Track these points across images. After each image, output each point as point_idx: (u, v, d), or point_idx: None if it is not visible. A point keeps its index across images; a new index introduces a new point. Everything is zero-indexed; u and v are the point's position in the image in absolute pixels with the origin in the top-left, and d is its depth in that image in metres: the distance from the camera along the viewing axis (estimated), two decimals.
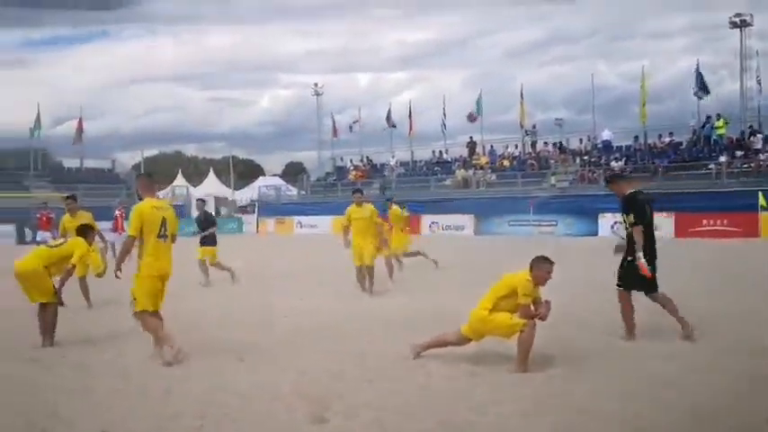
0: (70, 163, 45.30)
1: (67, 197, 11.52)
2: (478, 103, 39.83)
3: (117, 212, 18.42)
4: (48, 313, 7.56)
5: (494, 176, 36.26)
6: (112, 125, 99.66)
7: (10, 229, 29.85)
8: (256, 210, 42.68)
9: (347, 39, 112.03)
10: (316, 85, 49.33)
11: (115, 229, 18.02)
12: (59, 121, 77.10)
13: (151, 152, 61.58)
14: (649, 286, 7.23)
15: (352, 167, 43.46)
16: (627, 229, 7.28)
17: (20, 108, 57.12)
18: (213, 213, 13.89)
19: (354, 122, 45.18)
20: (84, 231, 8.31)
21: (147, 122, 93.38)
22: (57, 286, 7.76)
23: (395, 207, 15.27)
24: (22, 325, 8.05)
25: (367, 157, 44.45)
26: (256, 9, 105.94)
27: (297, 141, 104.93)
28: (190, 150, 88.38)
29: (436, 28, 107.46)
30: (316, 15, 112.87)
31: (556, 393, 5.39)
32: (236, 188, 51.49)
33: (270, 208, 42.20)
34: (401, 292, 11.55)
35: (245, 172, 65.04)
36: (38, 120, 40.97)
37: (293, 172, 62.19)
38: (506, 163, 36.87)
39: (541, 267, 6.18)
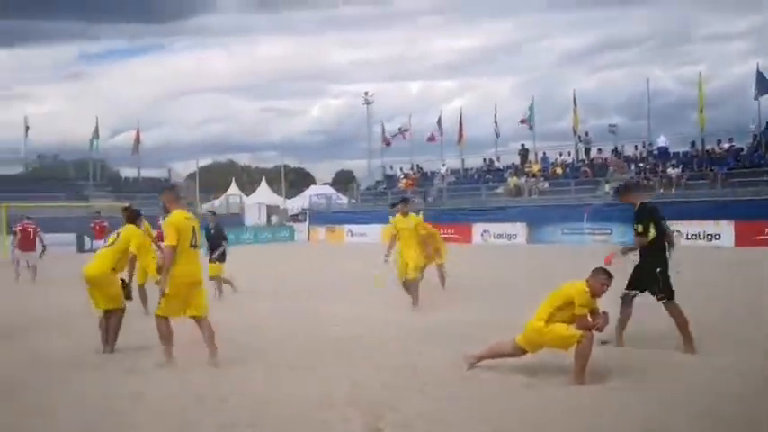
0: (128, 173, 46.54)
1: (125, 208, 11.81)
2: (531, 110, 39.44)
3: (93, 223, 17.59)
4: (112, 320, 7.74)
5: (546, 184, 35.77)
6: (167, 135, 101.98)
7: (71, 237, 30.72)
8: (307, 218, 43.04)
9: (396, 47, 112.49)
10: (366, 93, 49.59)
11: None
12: (117, 132, 79.46)
13: (205, 161, 62.54)
14: (662, 292, 7.25)
15: (402, 176, 43.44)
16: (652, 236, 7.31)
17: (79, 120, 58.98)
18: (223, 229, 13.26)
19: (404, 131, 45.15)
20: (133, 217, 8.44)
21: (200, 132, 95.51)
22: (126, 280, 8.04)
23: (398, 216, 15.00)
24: (83, 332, 8.25)
25: (417, 166, 44.39)
26: (306, 20, 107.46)
27: (347, 150, 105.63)
28: (243, 160, 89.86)
29: (486, 34, 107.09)
30: (365, 25, 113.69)
31: (615, 407, 5.26)
32: (288, 197, 52.07)
33: (321, 216, 42.50)
34: (453, 302, 11.45)
35: (297, 181, 65.77)
36: (96, 131, 42.15)
37: (343, 180, 62.57)
38: (559, 170, 36.35)
39: (599, 279, 6.06)
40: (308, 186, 58.52)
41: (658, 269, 7.24)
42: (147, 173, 45.80)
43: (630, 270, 7.37)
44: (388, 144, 45.32)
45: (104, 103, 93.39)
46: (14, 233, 17.32)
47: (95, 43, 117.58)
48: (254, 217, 45.36)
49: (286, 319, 9.91)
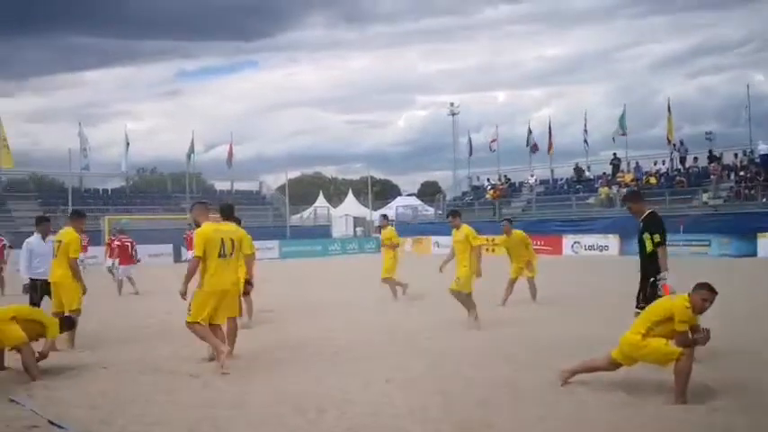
0: (221, 186, 48.10)
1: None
2: (622, 119, 38.38)
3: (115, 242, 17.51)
4: (229, 328, 8.02)
5: None
6: (259, 149, 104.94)
7: (168, 248, 32.04)
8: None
9: (483, 57, 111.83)
10: (452, 104, 49.58)
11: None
12: (211, 146, 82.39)
13: (294, 174, 63.91)
14: (645, 302, 6.92)
15: (489, 186, 43.11)
16: (652, 247, 7.18)
17: (176, 135, 61.44)
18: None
19: (492, 141, 44.83)
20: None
21: (290, 145, 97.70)
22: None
23: (390, 228, 15.04)
24: (182, 341, 8.56)
25: (505, 176, 43.96)
26: (393, 33, 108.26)
27: (433, 161, 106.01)
28: (330, 172, 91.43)
29: (575, 42, 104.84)
30: (450, 35, 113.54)
31: (719, 427, 5.05)
32: (374, 208, 52.54)
33: (407, 227, 42.63)
34: (544, 316, 11.25)
35: (382, 192, 66.24)
36: (192, 146, 43.80)
37: (429, 191, 62.58)
38: (653, 180, 35.16)
39: (701, 294, 5.84)
40: (394, 197, 58.90)
41: (652, 279, 7.09)
42: (239, 185, 47.19)
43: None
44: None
45: (200, 118, 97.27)
46: (110, 247, 18.02)
47: (192, 61, 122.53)
48: (341, 228, 45.99)
49: (375, 330, 9.99)
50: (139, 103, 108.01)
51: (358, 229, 47.75)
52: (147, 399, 6.18)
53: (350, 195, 55.92)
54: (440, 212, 44.88)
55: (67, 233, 8.93)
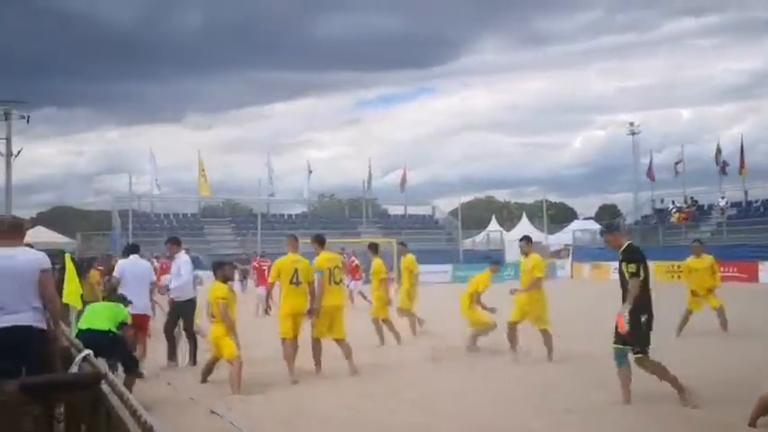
0: (395, 210, 49.35)
1: (371, 245, 13.20)
2: None
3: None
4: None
5: None
6: (432, 173, 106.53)
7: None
8: (570, 254, 41.97)
9: (664, 73, 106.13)
10: (631, 123, 47.44)
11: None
12: (387, 171, 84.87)
13: (466, 198, 64.18)
14: (637, 343, 6.65)
15: (674, 209, 40.62)
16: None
17: (355, 162, 63.92)
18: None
19: (677, 162, 42.28)
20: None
21: (462, 170, 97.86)
22: None
23: (410, 255, 13.26)
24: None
25: (692, 198, 41.23)
26: (568, 53, 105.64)
27: (611, 183, 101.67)
28: (502, 195, 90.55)
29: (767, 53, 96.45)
30: (629, 53, 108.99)
31: None
32: (550, 232, 51.27)
33: (585, 252, 41.19)
34: (734, 348, 10.34)
35: (557, 215, 64.52)
36: (369, 173, 45.37)
37: (607, 215, 60.10)
38: None
39: None
40: (569, 221, 57.19)
41: (643, 317, 6.65)
42: (412, 210, 48.16)
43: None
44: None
45: (377, 145, 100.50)
46: (252, 270, 18.98)
47: (371, 90, 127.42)
48: (514, 253, 45.31)
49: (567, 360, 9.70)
50: (322, 132, 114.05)
51: None
52: (333, 415, 6.45)
53: (524, 219, 55.00)
54: None
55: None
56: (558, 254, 44.75)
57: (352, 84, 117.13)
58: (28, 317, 4.89)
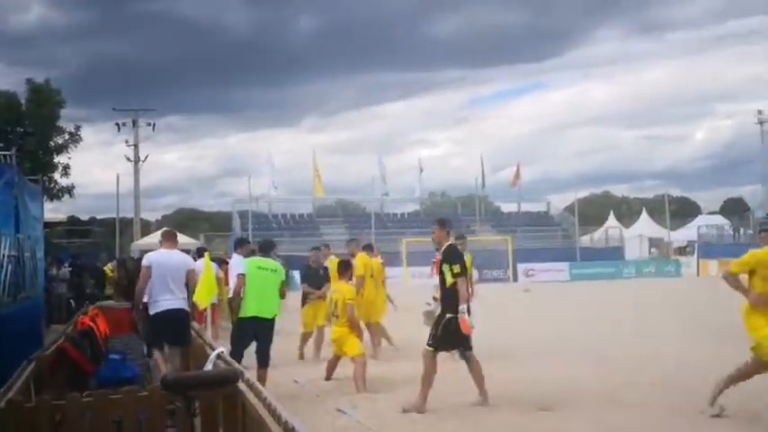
0: (508, 207, 48.56)
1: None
2: None
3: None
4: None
5: None
6: (546, 169, 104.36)
7: None
8: (696, 251, 39.89)
9: None
10: (759, 112, 44.63)
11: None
12: (498, 168, 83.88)
13: (582, 194, 62.28)
14: (467, 343, 6.73)
15: None
16: (451, 280, 6.65)
17: (466, 160, 63.54)
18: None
19: None
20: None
21: (578, 165, 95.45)
22: None
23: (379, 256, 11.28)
24: None
25: None
26: (692, 39, 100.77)
27: (737, 175, 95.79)
28: (620, 190, 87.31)
29: None
30: (759, 36, 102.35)
31: None
32: (671, 228, 48.94)
33: (711, 249, 39.01)
34: None
35: (679, 210, 61.46)
36: (482, 170, 44.91)
37: (733, 209, 56.74)
38: None
39: None
40: (692, 216, 54.38)
41: (448, 315, 6.59)
42: (525, 206, 47.25)
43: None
44: None
45: (489, 141, 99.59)
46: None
47: (483, 87, 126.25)
48: (634, 250, 43.58)
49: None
50: (433, 131, 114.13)
51: (653, 249, 44.86)
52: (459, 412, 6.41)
53: (644, 214, 52.75)
54: (750, 232, 40.44)
55: None
56: (683, 251, 42.68)
57: (464, 81, 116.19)
58: (184, 302, 7.21)
